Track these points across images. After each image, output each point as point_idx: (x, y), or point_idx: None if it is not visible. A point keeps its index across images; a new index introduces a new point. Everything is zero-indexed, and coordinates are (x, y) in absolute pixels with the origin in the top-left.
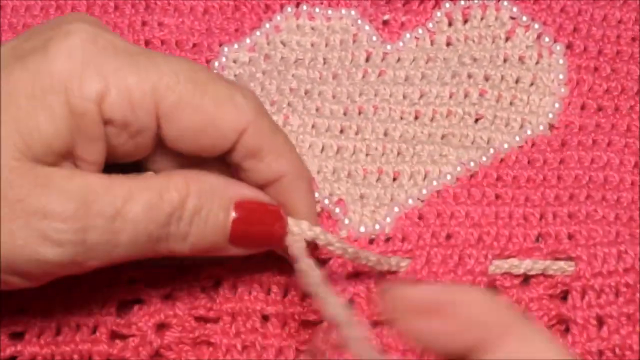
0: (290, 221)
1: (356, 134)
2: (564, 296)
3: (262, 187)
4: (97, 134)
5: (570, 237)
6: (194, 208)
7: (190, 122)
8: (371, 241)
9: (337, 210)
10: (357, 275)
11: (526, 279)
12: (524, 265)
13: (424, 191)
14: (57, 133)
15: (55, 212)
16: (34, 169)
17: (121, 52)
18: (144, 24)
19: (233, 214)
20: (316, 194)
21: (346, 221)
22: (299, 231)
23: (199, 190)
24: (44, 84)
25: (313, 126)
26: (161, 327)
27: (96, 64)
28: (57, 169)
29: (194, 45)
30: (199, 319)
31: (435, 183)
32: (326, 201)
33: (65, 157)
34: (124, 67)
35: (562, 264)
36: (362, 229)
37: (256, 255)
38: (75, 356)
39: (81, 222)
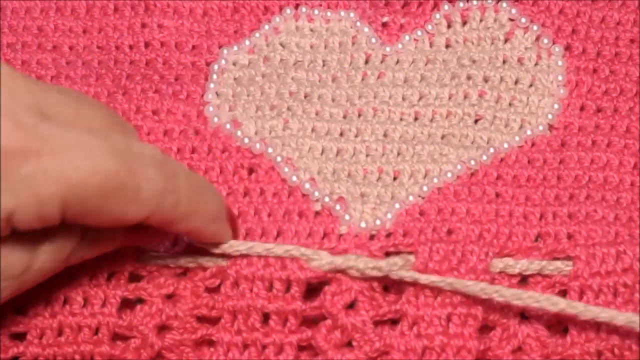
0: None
1: (356, 136)
2: (563, 296)
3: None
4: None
5: (569, 236)
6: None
7: (96, 220)
8: (372, 237)
9: (338, 207)
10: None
11: (524, 278)
12: (520, 265)
13: (425, 188)
14: None
15: None
16: None
17: (29, 156)
18: (143, 25)
19: None
20: (316, 192)
21: (346, 217)
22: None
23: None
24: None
25: (313, 130)
26: (162, 329)
27: (9, 178)
28: None
29: (194, 47)
30: (200, 318)
31: (436, 180)
32: (326, 199)
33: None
34: (32, 181)
35: (559, 263)
36: (363, 225)
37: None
38: (77, 357)
39: None
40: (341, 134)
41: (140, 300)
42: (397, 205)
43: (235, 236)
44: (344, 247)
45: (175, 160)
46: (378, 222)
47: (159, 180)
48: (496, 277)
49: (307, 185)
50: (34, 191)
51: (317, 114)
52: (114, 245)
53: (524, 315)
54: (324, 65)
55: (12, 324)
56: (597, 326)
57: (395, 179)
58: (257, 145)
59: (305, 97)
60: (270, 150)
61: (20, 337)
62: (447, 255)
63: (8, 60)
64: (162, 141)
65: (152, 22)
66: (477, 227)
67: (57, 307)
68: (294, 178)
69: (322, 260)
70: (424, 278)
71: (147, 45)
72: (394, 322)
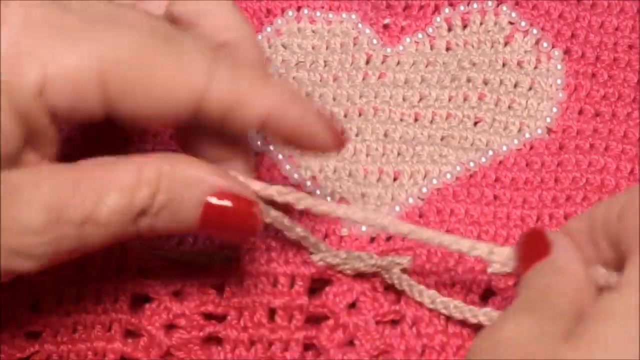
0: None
1: (356, 135)
2: None
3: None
4: (46, 125)
5: None
6: (161, 203)
7: (141, 101)
8: (372, 239)
9: None
10: (362, 274)
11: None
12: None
13: (424, 189)
14: (9, 137)
15: (26, 226)
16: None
17: (64, 29)
18: None
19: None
20: (317, 191)
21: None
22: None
23: (170, 185)
24: None
25: None
26: (170, 327)
27: (34, 52)
28: (24, 174)
29: None
30: (207, 316)
31: (435, 182)
32: (328, 199)
33: (26, 149)
34: (64, 50)
35: None
36: (363, 228)
37: (260, 249)
38: (90, 354)
39: (52, 234)
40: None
41: (147, 299)
42: (397, 208)
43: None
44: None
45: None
46: None
47: (206, 50)
48: (492, 279)
49: (308, 184)
50: (63, 59)
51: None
52: (189, 225)
53: None
54: (325, 66)
55: (27, 323)
56: None
57: (395, 179)
58: (259, 143)
59: (307, 95)
60: (271, 147)
61: (34, 335)
62: (445, 256)
63: None
64: (168, 144)
65: None
66: (475, 229)
67: (71, 305)
68: (296, 176)
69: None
70: (416, 289)
71: None
72: (394, 321)
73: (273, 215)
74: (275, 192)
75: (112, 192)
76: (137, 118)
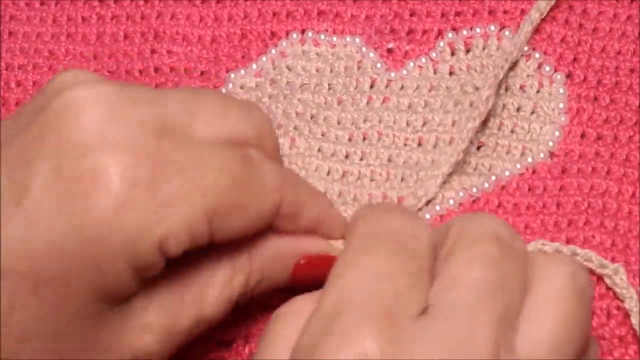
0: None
1: (361, 159)
2: None
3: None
4: (158, 265)
5: None
6: (256, 283)
7: (239, 225)
8: None
9: None
10: None
11: None
12: None
13: (427, 216)
14: (124, 287)
15: (143, 352)
16: (111, 314)
17: (164, 178)
18: (152, 51)
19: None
20: None
21: None
22: None
23: (261, 265)
24: (98, 244)
25: (319, 150)
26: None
27: (144, 211)
28: (131, 306)
29: (202, 72)
30: (213, 342)
31: (438, 208)
32: None
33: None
34: (177, 200)
35: None
36: None
37: None
38: None
39: (165, 346)
40: (347, 156)
41: None
42: None
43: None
44: None
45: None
46: None
47: (277, 168)
48: None
49: None
50: (179, 210)
51: (323, 135)
52: (283, 280)
53: None
54: (329, 89)
55: None
56: None
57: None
58: None
59: (312, 118)
60: None
61: None
62: None
63: (19, 81)
64: None
65: (162, 49)
66: None
67: None
68: None
69: None
70: None
71: (156, 70)
72: None
73: None
74: None
75: (213, 289)
76: (229, 239)
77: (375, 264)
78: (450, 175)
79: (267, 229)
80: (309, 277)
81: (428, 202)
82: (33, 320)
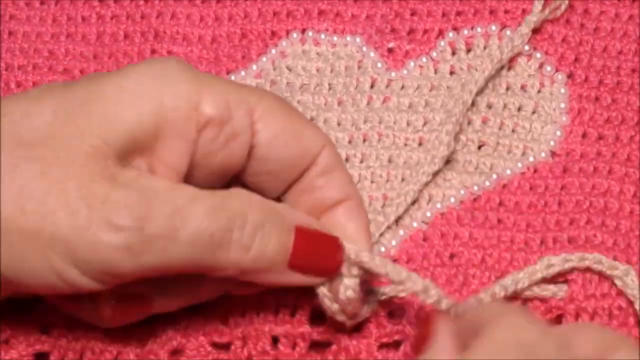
0: (347, 247)
1: (361, 162)
2: (559, 320)
3: (327, 209)
4: (186, 133)
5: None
6: (257, 221)
7: (282, 129)
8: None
9: None
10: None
11: (524, 303)
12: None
13: (428, 214)
14: (140, 124)
15: (116, 199)
16: (104, 162)
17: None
18: (153, 52)
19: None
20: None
21: None
22: (355, 258)
23: (261, 207)
24: (136, 87)
25: None
26: (175, 353)
27: (190, 75)
28: (126, 170)
29: None
30: (211, 344)
31: (439, 206)
32: None
33: (143, 153)
34: (218, 80)
35: (553, 288)
36: (383, 248)
37: None
38: None
39: (141, 212)
40: (347, 160)
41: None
42: (401, 232)
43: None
44: None
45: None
46: (383, 249)
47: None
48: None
49: None
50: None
51: None
52: (278, 263)
53: None
54: (330, 89)
55: (37, 343)
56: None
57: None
58: None
59: (312, 120)
60: None
61: (42, 356)
62: (450, 278)
63: (19, 82)
64: None
65: (162, 49)
66: (479, 252)
67: (81, 331)
68: None
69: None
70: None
71: None
72: (397, 344)
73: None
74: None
75: (206, 195)
76: (272, 150)
77: None
78: (451, 173)
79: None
80: (307, 260)
81: (429, 201)
82: None
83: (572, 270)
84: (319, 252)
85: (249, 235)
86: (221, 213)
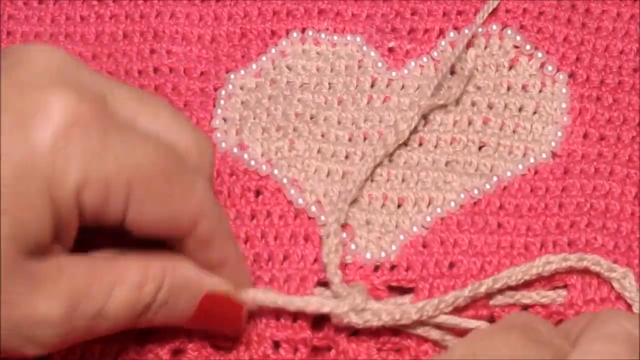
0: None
1: (361, 160)
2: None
3: (215, 267)
4: (73, 221)
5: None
6: (162, 300)
7: (156, 213)
8: (376, 268)
9: (344, 235)
10: None
11: (524, 309)
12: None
13: (428, 218)
14: (43, 228)
15: (44, 317)
16: (26, 266)
17: (101, 131)
18: (152, 51)
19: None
20: (322, 217)
21: (352, 246)
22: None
23: (172, 283)
24: (27, 176)
25: (319, 151)
26: (177, 352)
27: (78, 152)
28: (48, 266)
29: (202, 73)
30: (214, 347)
31: (439, 210)
32: (334, 226)
33: (49, 246)
34: (104, 154)
35: (552, 294)
36: (368, 256)
37: (263, 281)
38: None
39: (66, 326)
40: (347, 157)
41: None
42: (401, 237)
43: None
44: (349, 279)
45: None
46: (383, 254)
47: (209, 189)
48: (496, 310)
49: (313, 209)
50: (102, 166)
51: (323, 135)
52: (181, 320)
53: None
54: (330, 88)
55: None
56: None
57: (399, 206)
58: (264, 167)
59: (311, 118)
60: (276, 171)
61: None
62: (447, 290)
63: None
64: None
65: (161, 49)
66: (478, 260)
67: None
68: (300, 200)
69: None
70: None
71: (155, 70)
72: (396, 350)
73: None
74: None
75: (122, 286)
76: (140, 228)
77: None
78: (451, 175)
79: (180, 251)
80: (211, 315)
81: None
82: None
83: (570, 270)
84: (219, 318)
85: (154, 313)
86: (136, 306)
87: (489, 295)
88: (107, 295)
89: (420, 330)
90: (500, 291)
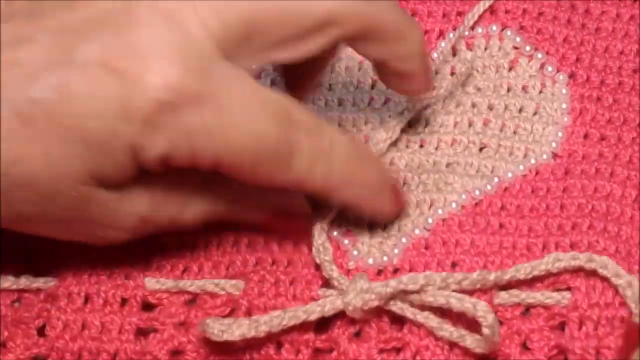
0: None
1: None
2: (562, 328)
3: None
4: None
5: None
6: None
7: (244, 180)
8: (379, 272)
9: (346, 241)
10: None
11: (527, 310)
12: (521, 295)
13: (430, 220)
14: (126, 178)
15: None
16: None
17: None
18: None
19: None
20: (324, 226)
21: (355, 252)
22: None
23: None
24: (119, 133)
25: None
26: (176, 353)
27: (170, 120)
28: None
29: None
30: (214, 346)
31: (440, 212)
32: (335, 232)
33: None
34: (197, 129)
35: (557, 295)
36: (371, 261)
37: (269, 282)
38: None
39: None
40: None
41: (153, 330)
42: (403, 240)
43: (399, 209)
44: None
45: (332, 127)
46: (385, 258)
47: (311, 151)
48: (499, 309)
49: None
50: (191, 143)
51: None
52: (254, 218)
53: (526, 346)
54: (330, 89)
55: (34, 346)
56: (596, 356)
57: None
58: None
59: None
60: None
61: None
62: None
63: None
64: None
65: None
66: (480, 259)
67: (76, 330)
68: None
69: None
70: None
71: None
72: (397, 350)
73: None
74: None
75: (198, 200)
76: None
77: None
78: (452, 176)
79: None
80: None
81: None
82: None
83: (578, 269)
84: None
85: None
86: None
87: (494, 293)
88: (182, 208)
89: (420, 317)
90: (505, 289)
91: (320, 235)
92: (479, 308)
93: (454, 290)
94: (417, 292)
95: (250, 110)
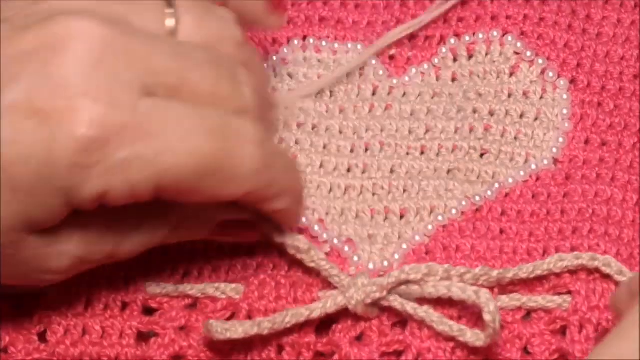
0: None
1: (363, 172)
2: (563, 331)
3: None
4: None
5: (571, 270)
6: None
7: (189, 201)
8: (380, 276)
9: (346, 248)
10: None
11: (528, 314)
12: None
13: (430, 227)
14: (56, 221)
15: (53, 270)
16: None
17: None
18: None
19: None
20: (324, 235)
21: (355, 258)
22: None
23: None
24: (47, 177)
25: (321, 165)
26: (177, 358)
27: (103, 162)
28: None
29: None
30: (215, 350)
31: (440, 218)
32: (335, 241)
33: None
34: (130, 160)
35: (557, 299)
36: (371, 266)
37: (269, 286)
38: None
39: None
40: (348, 170)
41: (153, 335)
42: (404, 246)
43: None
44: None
45: (271, 137)
46: (386, 263)
47: (256, 160)
48: (500, 312)
49: (316, 227)
50: (127, 176)
51: (325, 147)
52: (200, 236)
53: (527, 350)
54: (331, 96)
55: (35, 352)
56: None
57: (401, 217)
58: None
59: (313, 128)
60: None
61: None
62: None
63: None
64: None
65: None
66: (481, 264)
67: (77, 335)
68: (303, 220)
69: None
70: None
71: None
72: (399, 353)
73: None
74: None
75: (136, 234)
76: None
77: None
78: (453, 183)
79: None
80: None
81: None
82: None
83: (579, 271)
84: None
85: None
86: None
87: (495, 296)
88: (118, 244)
89: (420, 312)
90: (506, 293)
91: (301, 242)
92: (481, 295)
93: None
94: (419, 282)
95: (183, 129)
